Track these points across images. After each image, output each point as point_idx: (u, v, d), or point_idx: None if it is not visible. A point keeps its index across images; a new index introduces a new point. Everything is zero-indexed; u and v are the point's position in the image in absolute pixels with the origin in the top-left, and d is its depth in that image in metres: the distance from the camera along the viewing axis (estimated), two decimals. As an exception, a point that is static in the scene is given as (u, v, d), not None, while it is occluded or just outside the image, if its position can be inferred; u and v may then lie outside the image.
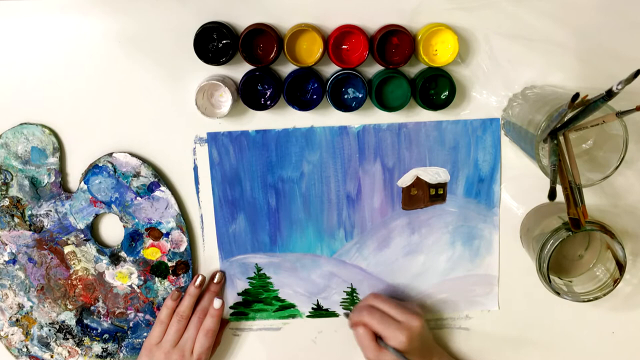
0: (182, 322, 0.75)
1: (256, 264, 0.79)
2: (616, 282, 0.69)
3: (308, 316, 0.81)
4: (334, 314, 0.81)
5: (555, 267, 0.74)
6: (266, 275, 0.79)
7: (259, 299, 0.80)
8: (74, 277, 0.78)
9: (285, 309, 0.80)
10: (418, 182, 0.76)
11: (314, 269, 0.79)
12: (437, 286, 0.80)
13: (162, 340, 0.75)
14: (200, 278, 0.76)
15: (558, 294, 0.69)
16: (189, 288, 0.76)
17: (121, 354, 0.80)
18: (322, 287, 0.80)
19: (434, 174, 0.76)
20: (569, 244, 0.74)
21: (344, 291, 0.80)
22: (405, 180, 0.76)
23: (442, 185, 0.76)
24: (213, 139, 0.75)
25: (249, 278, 0.79)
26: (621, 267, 0.69)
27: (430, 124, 0.74)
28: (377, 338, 0.71)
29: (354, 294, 0.80)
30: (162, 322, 0.76)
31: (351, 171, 0.76)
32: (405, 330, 0.69)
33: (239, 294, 0.80)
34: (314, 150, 0.75)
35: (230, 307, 0.80)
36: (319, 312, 0.81)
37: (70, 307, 0.79)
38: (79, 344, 0.80)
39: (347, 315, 0.78)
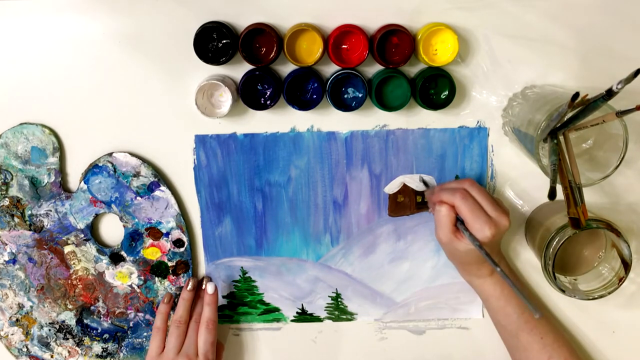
0: (181, 327, 0.74)
1: (242, 267, 0.79)
2: (621, 280, 0.69)
3: (293, 320, 0.81)
4: (318, 319, 0.81)
5: (560, 264, 0.74)
6: (251, 279, 0.79)
7: (243, 302, 0.80)
8: (74, 277, 0.78)
9: (270, 313, 0.80)
10: (405, 189, 0.76)
11: (300, 274, 0.79)
12: (421, 293, 0.80)
13: (164, 349, 0.73)
14: (192, 282, 0.76)
15: (563, 291, 0.69)
16: (183, 293, 0.76)
17: (121, 354, 0.80)
18: (307, 292, 0.80)
19: (420, 182, 0.76)
20: (574, 242, 0.74)
21: (329, 296, 0.80)
22: (392, 187, 0.76)
23: None
24: (201, 141, 0.75)
25: (234, 281, 0.79)
26: (627, 265, 0.69)
27: (418, 132, 0.75)
28: (456, 222, 0.68)
29: (339, 299, 0.80)
30: (159, 329, 0.74)
31: (338, 177, 0.76)
32: (493, 226, 0.65)
33: (223, 297, 0.80)
34: (302, 155, 0.75)
35: None
36: (303, 316, 0.81)
37: (70, 307, 0.79)
38: (79, 343, 0.80)
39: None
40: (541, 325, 0.71)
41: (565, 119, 0.61)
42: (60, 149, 0.75)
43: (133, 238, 0.77)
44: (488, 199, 0.67)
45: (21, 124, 0.74)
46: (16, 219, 0.76)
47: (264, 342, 0.82)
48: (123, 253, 0.77)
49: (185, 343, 0.73)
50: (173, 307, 0.77)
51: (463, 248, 0.68)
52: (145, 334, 0.80)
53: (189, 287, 0.76)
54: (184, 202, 0.77)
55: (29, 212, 0.76)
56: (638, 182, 0.76)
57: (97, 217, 0.77)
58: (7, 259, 0.77)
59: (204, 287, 0.76)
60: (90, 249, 0.77)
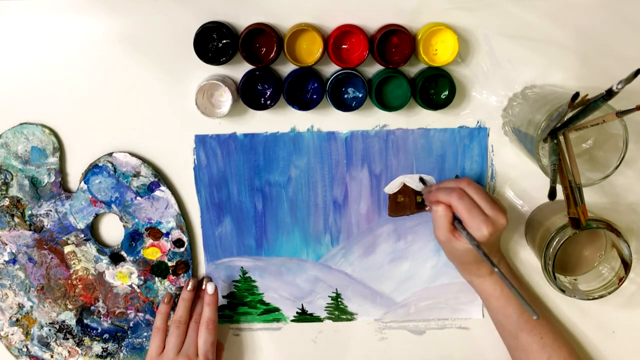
0: (181, 327, 0.74)
1: (242, 267, 0.79)
2: (621, 280, 0.69)
3: (292, 320, 0.81)
4: (318, 319, 0.81)
5: (560, 264, 0.74)
6: (251, 279, 0.79)
7: (243, 302, 0.80)
8: (74, 277, 0.78)
9: (270, 313, 0.80)
10: (405, 189, 0.76)
11: (300, 274, 0.79)
12: (421, 293, 0.80)
13: (164, 349, 0.73)
14: (192, 282, 0.76)
15: (563, 291, 0.69)
16: (183, 293, 0.76)
17: (121, 354, 0.80)
18: (307, 292, 0.80)
19: (420, 182, 0.75)
20: (574, 242, 0.74)
21: (329, 296, 0.80)
22: (392, 187, 0.76)
23: None
24: (201, 141, 0.75)
25: (234, 281, 0.79)
26: (627, 265, 0.69)
27: (418, 132, 0.75)
28: (453, 221, 0.68)
29: (339, 299, 0.80)
30: (159, 329, 0.74)
31: (338, 177, 0.76)
32: (490, 225, 0.65)
33: (223, 297, 0.80)
34: (302, 155, 0.75)
35: None
36: (303, 316, 0.81)
37: (70, 307, 0.79)
38: (79, 343, 0.80)
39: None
40: (541, 326, 0.71)
41: (565, 119, 0.61)
42: (60, 149, 0.75)
43: (133, 238, 0.77)
44: (485, 197, 0.67)
45: (21, 124, 0.74)
46: (16, 219, 0.76)
47: (264, 342, 0.82)
48: (123, 253, 0.77)
49: (185, 343, 0.73)
50: (173, 307, 0.77)
51: (461, 247, 0.68)
52: (145, 334, 0.80)
53: (189, 287, 0.76)
54: (184, 202, 0.77)
55: (29, 212, 0.76)
56: (638, 182, 0.76)
57: (97, 217, 0.77)
58: (7, 259, 0.77)
59: (204, 287, 0.76)
60: (90, 249, 0.77)
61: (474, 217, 0.65)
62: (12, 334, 0.79)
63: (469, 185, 0.68)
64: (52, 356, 0.80)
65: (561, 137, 0.62)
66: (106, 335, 0.80)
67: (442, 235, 0.68)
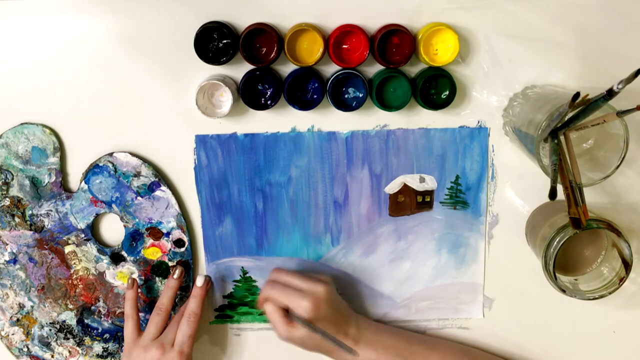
0: (162, 314, 0.73)
1: (242, 267, 0.79)
2: (622, 280, 0.69)
3: None
4: None
5: (561, 264, 0.74)
6: (252, 279, 0.79)
7: (244, 302, 0.80)
8: (74, 276, 0.78)
9: None
10: (405, 189, 0.76)
11: None
12: (422, 292, 0.80)
13: (143, 334, 0.72)
14: (179, 270, 0.75)
15: (564, 291, 0.69)
16: (168, 281, 0.75)
17: (122, 354, 0.80)
18: None
19: (421, 182, 0.76)
20: (575, 242, 0.74)
21: None
22: (393, 187, 0.76)
23: (429, 193, 0.76)
24: (202, 141, 0.75)
25: (234, 281, 0.79)
26: (627, 265, 0.69)
27: (418, 132, 0.75)
28: (287, 313, 0.68)
29: None
30: (129, 316, 0.73)
31: (339, 177, 0.76)
32: (308, 296, 0.66)
33: (224, 297, 0.80)
34: (302, 155, 0.75)
35: (215, 310, 0.80)
36: None
37: (70, 306, 0.79)
38: (80, 343, 0.80)
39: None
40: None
41: (566, 119, 0.61)
42: (60, 148, 0.75)
43: (134, 238, 0.77)
44: (296, 275, 0.70)
45: (22, 124, 0.74)
46: (17, 219, 0.76)
47: (265, 342, 0.82)
48: (124, 253, 0.77)
49: (164, 332, 0.73)
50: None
51: (306, 334, 0.68)
52: (145, 333, 0.80)
53: (175, 275, 0.75)
54: (184, 202, 0.77)
55: (30, 212, 0.76)
56: (639, 182, 0.76)
57: (97, 217, 0.77)
58: (7, 258, 0.77)
59: (196, 282, 0.76)
60: (91, 248, 0.77)
61: (290, 297, 0.67)
62: (13, 334, 0.79)
63: (277, 273, 0.72)
64: (52, 356, 0.80)
65: (562, 137, 0.62)
66: (107, 335, 0.80)
67: (283, 330, 0.69)
